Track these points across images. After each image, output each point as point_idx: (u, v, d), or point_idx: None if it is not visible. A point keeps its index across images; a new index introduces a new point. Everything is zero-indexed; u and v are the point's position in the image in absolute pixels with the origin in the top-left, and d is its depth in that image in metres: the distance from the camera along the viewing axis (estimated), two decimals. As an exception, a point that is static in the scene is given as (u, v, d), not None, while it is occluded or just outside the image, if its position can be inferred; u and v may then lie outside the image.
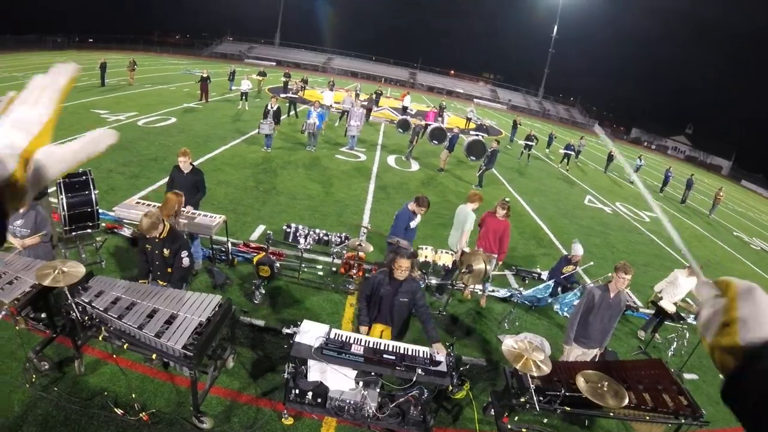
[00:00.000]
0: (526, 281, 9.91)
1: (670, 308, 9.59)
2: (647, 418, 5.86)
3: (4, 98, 0.89)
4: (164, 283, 6.45)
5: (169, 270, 6.48)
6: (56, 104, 0.90)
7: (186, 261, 6.42)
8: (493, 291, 10.33)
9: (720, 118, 66.20)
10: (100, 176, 11.17)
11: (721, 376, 0.85)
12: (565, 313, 10.08)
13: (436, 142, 23.95)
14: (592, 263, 11.02)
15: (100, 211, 8.93)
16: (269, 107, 18.50)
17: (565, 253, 13.12)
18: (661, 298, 10.03)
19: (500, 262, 10.15)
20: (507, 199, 10.10)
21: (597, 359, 7.57)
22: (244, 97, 28.16)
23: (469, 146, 22.02)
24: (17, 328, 5.81)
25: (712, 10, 63.97)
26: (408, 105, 35.86)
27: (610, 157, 32.31)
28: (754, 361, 0.78)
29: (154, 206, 8.82)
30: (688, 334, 9.71)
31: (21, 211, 6.73)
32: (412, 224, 8.92)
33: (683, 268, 10.54)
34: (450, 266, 8.51)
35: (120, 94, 26.59)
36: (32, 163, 0.82)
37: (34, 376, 5.80)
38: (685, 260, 14.20)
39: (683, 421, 5.82)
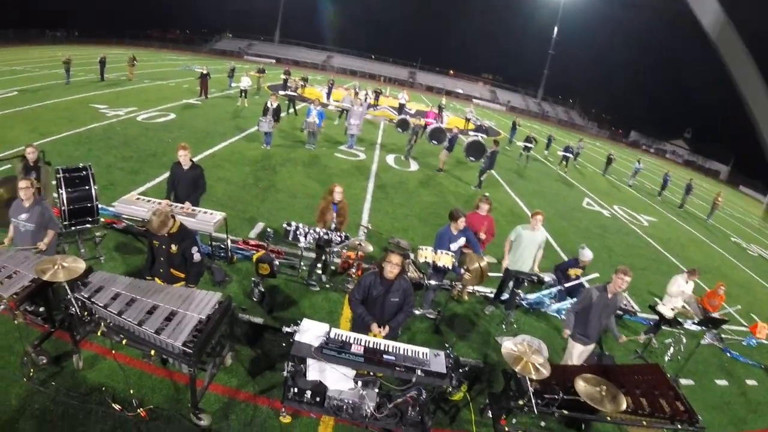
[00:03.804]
0: (525, 284, 9.91)
1: (668, 313, 9.60)
2: (644, 423, 5.87)
3: None
4: (162, 282, 6.37)
5: (172, 270, 6.42)
6: None
7: (197, 256, 6.37)
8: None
9: (719, 123, 66.05)
10: (100, 171, 11.13)
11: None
12: (563, 316, 10.08)
13: (435, 142, 23.93)
14: (597, 275, 11.00)
15: (100, 206, 8.91)
16: (269, 105, 18.39)
17: (563, 255, 13.18)
18: (657, 303, 10.07)
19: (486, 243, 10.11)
20: (487, 194, 10.11)
21: (594, 360, 7.64)
22: (243, 94, 28.06)
23: (469, 147, 22.04)
24: (15, 322, 5.78)
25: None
26: (404, 101, 35.66)
27: (609, 160, 32.42)
28: None
29: (157, 202, 8.83)
30: (685, 340, 9.73)
31: (26, 205, 6.73)
32: (453, 246, 8.67)
33: (682, 273, 10.57)
34: (450, 267, 8.47)
35: (119, 90, 26.60)
36: None
37: (32, 370, 5.77)
38: (681, 266, 14.26)
39: (680, 426, 5.82)
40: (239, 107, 27.12)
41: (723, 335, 11.18)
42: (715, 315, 10.26)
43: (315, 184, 15.44)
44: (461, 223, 8.59)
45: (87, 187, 8.50)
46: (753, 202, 51.18)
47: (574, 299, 9.42)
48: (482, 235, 9.78)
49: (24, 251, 6.54)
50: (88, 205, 8.52)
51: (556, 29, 77.28)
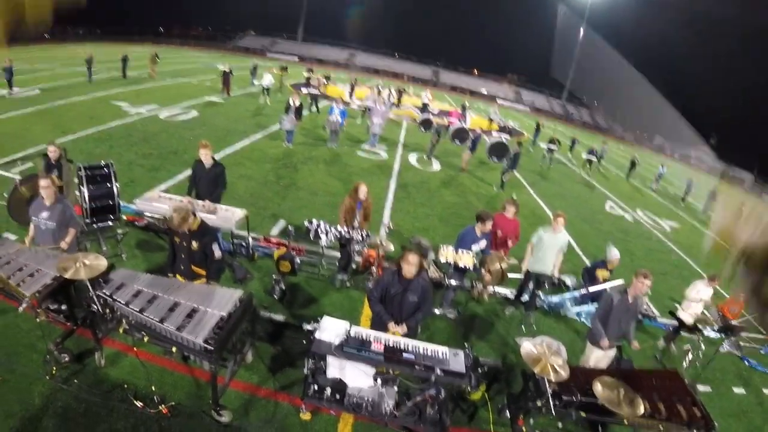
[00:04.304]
0: (546, 286, 9.87)
1: (688, 319, 9.52)
2: (661, 427, 5.83)
3: None
4: (183, 279, 6.43)
5: (193, 267, 6.46)
6: None
7: (218, 253, 6.41)
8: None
9: (745, 130, 65.12)
10: (121, 169, 11.25)
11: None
12: (583, 319, 10.04)
13: (458, 142, 23.89)
14: (622, 281, 10.92)
15: (121, 203, 9.02)
16: (291, 102, 18.48)
17: (584, 258, 13.08)
18: (677, 309, 9.99)
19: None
20: (515, 197, 10.05)
21: (614, 362, 7.60)
22: (266, 92, 28.14)
23: (492, 147, 21.95)
24: (38, 320, 5.82)
25: (750, 19, 63.01)
26: (428, 101, 35.32)
27: (633, 164, 32.09)
28: None
29: (178, 200, 8.89)
30: (704, 346, 9.64)
31: (47, 203, 6.81)
32: (474, 247, 8.65)
33: (702, 278, 10.46)
34: (471, 267, 8.46)
35: (141, 87, 26.87)
36: None
37: (54, 368, 5.84)
38: (702, 273, 14.09)
39: (695, 432, 5.82)
40: (261, 105, 27.26)
41: (741, 343, 11.04)
42: (735, 322, 10.15)
43: (336, 182, 15.49)
44: (489, 225, 8.57)
45: (109, 185, 8.62)
46: (778, 210, 50.28)
47: (596, 303, 9.39)
48: (510, 243, 9.80)
49: (45, 249, 6.63)
50: (110, 202, 8.64)
51: (582, 30, 76.68)
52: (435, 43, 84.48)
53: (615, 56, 74.99)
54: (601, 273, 10.11)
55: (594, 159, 28.95)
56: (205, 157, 8.87)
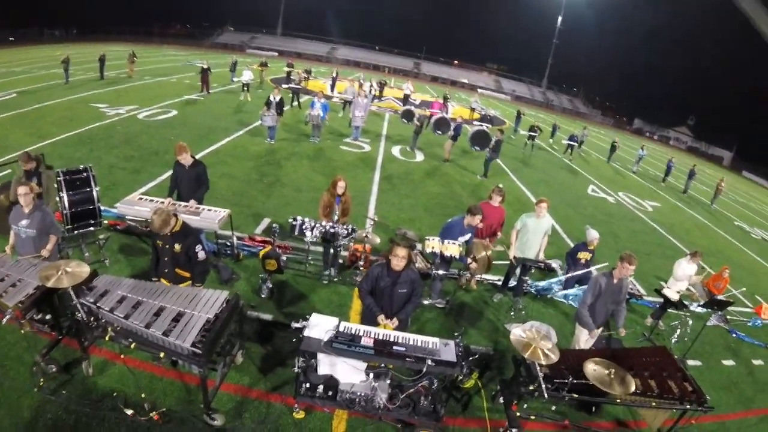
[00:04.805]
0: (532, 271, 9.92)
1: (674, 296, 9.61)
2: (653, 404, 5.96)
3: None
4: (168, 282, 6.34)
5: (177, 270, 6.39)
6: None
7: (202, 254, 6.32)
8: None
9: (722, 109, 65.65)
10: (102, 172, 11.15)
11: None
12: (570, 302, 10.09)
13: (440, 132, 23.88)
14: (606, 264, 10.98)
15: (102, 208, 8.87)
16: (272, 98, 18.34)
17: (569, 242, 13.15)
18: (663, 287, 10.09)
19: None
20: (501, 185, 10.08)
21: (602, 344, 7.67)
22: (246, 88, 27.95)
23: (474, 136, 21.95)
24: (22, 331, 5.76)
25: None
26: (409, 92, 35.40)
27: (613, 147, 32.45)
28: None
29: (159, 202, 8.80)
30: (691, 322, 9.76)
31: (26, 210, 6.71)
32: (461, 239, 8.58)
33: (685, 255, 10.57)
34: (457, 256, 8.47)
35: (120, 87, 26.54)
36: None
37: (42, 379, 5.75)
38: (685, 249, 14.22)
39: (688, 407, 5.93)
40: (242, 102, 27.01)
41: (728, 317, 11.19)
42: (721, 297, 10.26)
43: (320, 177, 15.40)
44: (477, 220, 8.56)
45: (88, 189, 8.43)
46: (756, 187, 50.87)
47: (584, 286, 9.43)
48: (499, 234, 9.99)
49: (27, 258, 6.54)
50: (90, 207, 8.46)
51: (560, 18, 76.95)
52: (415, 35, 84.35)
53: (592, 42, 75.50)
54: (582, 255, 10.16)
55: (575, 144, 29.14)
56: (185, 159, 8.72)
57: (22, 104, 19.62)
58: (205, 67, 27.88)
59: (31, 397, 5.59)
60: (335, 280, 9.30)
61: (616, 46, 77.87)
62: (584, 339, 7.36)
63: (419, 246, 9.83)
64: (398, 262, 5.95)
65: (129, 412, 5.45)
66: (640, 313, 10.64)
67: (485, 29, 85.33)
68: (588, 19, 75.55)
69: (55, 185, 8.31)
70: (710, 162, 63.17)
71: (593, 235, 10.10)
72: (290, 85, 29.63)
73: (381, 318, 6.11)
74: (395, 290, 6.14)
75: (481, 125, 25.43)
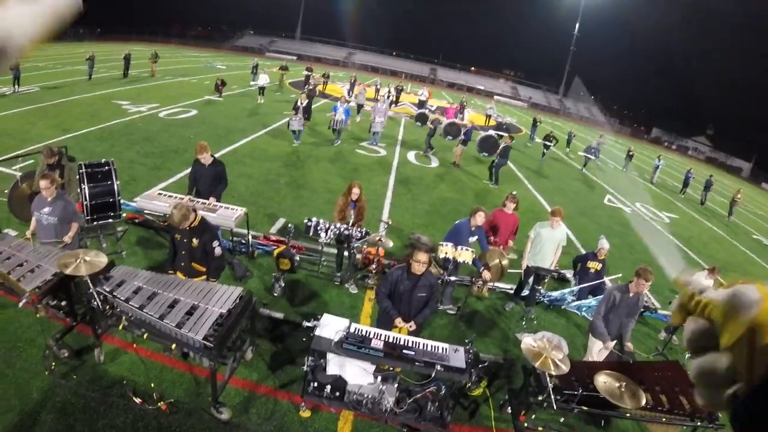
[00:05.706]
0: (545, 280, 9.88)
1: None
2: (663, 419, 5.87)
3: None
4: (184, 276, 6.44)
5: (193, 264, 6.48)
6: None
7: (218, 250, 6.43)
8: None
9: (741, 119, 65.09)
10: (122, 167, 11.24)
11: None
12: (584, 313, 10.04)
13: (450, 138, 23.89)
14: (620, 275, 10.92)
15: (122, 201, 9.01)
16: (299, 103, 18.65)
17: (584, 252, 13.07)
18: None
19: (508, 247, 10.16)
20: (514, 193, 10.07)
21: (614, 357, 7.62)
22: (262, 92, 28.09)
23: (482, 142, 22.01)
24: (38, 315, 5.84)
25: (737, 7, 62.87)
26: (425, 98, 35.35)
27: (629, 156, 32.18)
28: None
29: (178, 198, 8.89)
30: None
31: (48, 199, 6.82)
32: (471, 239, 8.68)
33: (703, 270, 10.46)
34: (470, 262, 8.47)
35: (141, 86, 26.91)
36: None
37: (53, 363, 5.85)
38: (703, 263, 14.10)
39: (699, 423, 5.86)
40: (258, 104, 27.17)
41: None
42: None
43: (337, 179, 15.47)
44: (479, 219, 8.58)
45: (109, 183, 8.60)
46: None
47: (598, 297, 9.39)
48: (510, 243, 10.04)
49: (47, 245, 6.65)
50: (110, 200, 8.61)
51: (577, 26, 76.79)
52: (432, 41, 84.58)
53: (610, 50, 75.09)
54: (592, 265, 10.11)
55: (591, 158, 28.98)
56: (205, 158, 8.88)
57: (45, 98, 19.92)
58: (220, 82, 27.82)
59: (41, 379, 5.68)
60: (346, 285, 9.30)
61: (633, 54, 77.58)
62: (597, 350, 7.31)
63: (432, 251, 9.85)
64: (419, 267, 6.02)
65: (137, 400, 5.53)
66: (654, 327, 10.54)
67: (502, 36, 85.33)
68: (605, 26, 75.30)
69: (77, 177, 8.43)
70: (729, 173, 62.48)
71: (604, 244, 10.05)
72: (306, 89, 29.76)
73: (399, 321, 6.14)
74: (414, 294, 6.18)
75: (489, 131, 25.42)
